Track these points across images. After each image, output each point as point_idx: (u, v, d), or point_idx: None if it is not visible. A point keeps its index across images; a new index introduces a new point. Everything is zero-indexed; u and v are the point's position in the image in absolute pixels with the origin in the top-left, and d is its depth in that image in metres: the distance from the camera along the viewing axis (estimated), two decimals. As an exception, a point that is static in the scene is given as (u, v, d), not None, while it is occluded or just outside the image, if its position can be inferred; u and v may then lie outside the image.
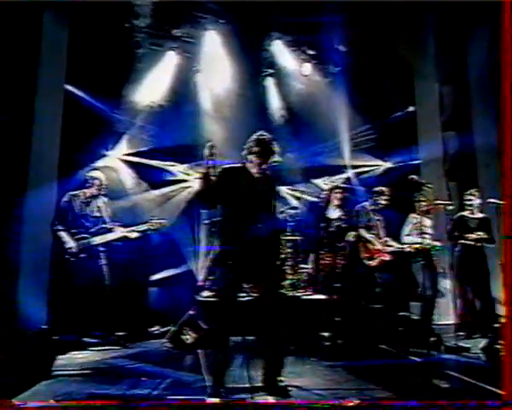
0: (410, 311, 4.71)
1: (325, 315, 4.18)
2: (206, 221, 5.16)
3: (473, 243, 4.09)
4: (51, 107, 4.52)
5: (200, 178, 2.75)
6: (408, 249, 4.38)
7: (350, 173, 6.24)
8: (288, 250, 4.77)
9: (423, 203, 4.38)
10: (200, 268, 5.37)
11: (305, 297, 4.56)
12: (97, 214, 4.17)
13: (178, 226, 5.44)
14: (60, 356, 3.32)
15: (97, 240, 4.07)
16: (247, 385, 2.77)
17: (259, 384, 2.65)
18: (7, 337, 3.29)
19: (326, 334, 4.03)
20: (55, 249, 4.11)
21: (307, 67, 5.87)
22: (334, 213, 4.77)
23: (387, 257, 4.44)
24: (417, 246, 4.22)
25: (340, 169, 6.22)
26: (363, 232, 4.51)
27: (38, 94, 4.32)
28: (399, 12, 5.10)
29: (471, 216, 4.24)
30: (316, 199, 5.64)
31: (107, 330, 4.04)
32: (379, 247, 4.47)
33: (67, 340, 3.79)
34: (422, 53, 5.68)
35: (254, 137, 2.80)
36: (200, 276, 5.27)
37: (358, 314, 4.22)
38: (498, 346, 3.55)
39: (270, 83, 6.06)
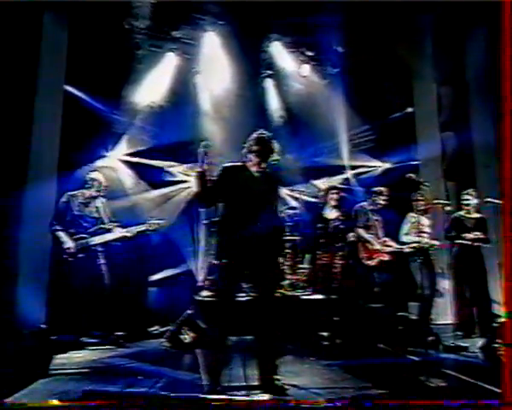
0: (408, 311, 4.71)
1: (324, 315, 4.18)
2: (206, 221, 5.17)
3: (470, 242, 4.10)
4: (51, 107, 4.54)
5: (196, 177, 2.76)
6: (407, 250, 4.39)
7: (349, 174, 6.26)
8: (287, 250, 4.78)
9: (421, 203, 4.40)
10: (199, 268, 5.38)
11: (304, 297, 4.56)
12: (96, 215, 4.18)
13: (178, 226, 5.45)
14: (57, 355, 3.32)
15: (96, 240, 4.08)
16: (243, 384, 2.77)
17: (256, 383, 2.65)
18: (5, 337, 3.30)
19: (325, 334, 4.03)
20: (53, 249, 4.11)
21: (306, 68, 5.90)
22: (331, 213, 4.78)
23: (386, 257, 4.45)
24: (415, 245, 4.23)
25: (339, 170, 6.24)
26: (361, 232, 4.51)
27: (38, 94, 4.34)
28: (397, 13, 5.12)
29: (468, 216, 4.25)
30: (313, 199, 5.65)
31: (106, 330, 4.04)
32: (378, 247, 4.47)
33: (66, 340, 3.79)
34: (420, 53, 5.70)
35: (254, 135, 2.81)
36: (200, 276, 5.27)
37: (357, 314, 4.23)
38: (496, 345, 3.56)
39: (269, 84, 6.08)
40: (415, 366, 3.39)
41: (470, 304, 4.22)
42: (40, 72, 4.38)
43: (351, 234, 4.57)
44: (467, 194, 4.30)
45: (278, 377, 2.63)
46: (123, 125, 5.47)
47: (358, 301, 4.40)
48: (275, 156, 2.78)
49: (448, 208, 4.32)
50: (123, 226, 4.18)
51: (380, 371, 3.18)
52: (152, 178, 5.68)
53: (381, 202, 4.58)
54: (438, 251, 4.41)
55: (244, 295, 3.70)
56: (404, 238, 4.46)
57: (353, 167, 6.27)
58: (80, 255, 3.99)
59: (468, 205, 4.26)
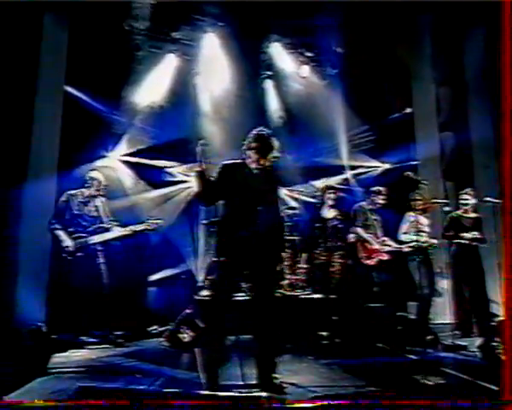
0: (407, 310, 4.70)
1: (323, 314, 4.18)
2: (205, 221, 5.17)
3: (467, 242, 4.11)
4: (51, 108, 4.55)
5: (196, 176, 2.76)
6: (405, 249, 4.39)
7: (348, 174, 6.26)
8: (287, 250, 4.78)
9: (420, 202, 4.40)
10: (199, 268, 5.38)
11: (303, 296, 4.56)
12: (95, 214, 4.19)
13: (177, 226, 5.46)
14: (56, 354, 3.32)
15: (95, 239, 4.09)
16: (241, 383, 2.78)
17: (254, 382, 2.65)
18: (4, 335, 3.31)
19: (324, 333, 4.03)
20: (53, 248, 4.12)
21: (305, 69, 5.91)
22: (328, 212, 4.79)
23: (385, 256, 4.45)
24: (414, 244, 4.23)
25: (339, 170, 6.25)
26: (360, 232, 4.52)
27: (38, 95, 4.36)
28: (396, 13, 5.14)
29: (465, 215, 4.26)
30: (312, 199, 5.66)
31: (105, 330, 4.04)
32: (377, 246, 4.48)
33: (65, 339, 3.79)
34: (419, 54, 5.71)
35: (254, 132, 2.80)
36: (200, 276, 5.28)
37: (356, 313, 4.23)
38: (494, 344, 3.57)
39: (268, 85, 6.09)
40: (414, 365, 3.39)
41: (468, 303, 4.22)
42: (40, 72, 4.40)
43: (351, 234, 4.57)
44: (465, 193, 4.31)
45: (276, 375, 2.63)
46: (123, 126, 5.49)
47: (357, 300, 4.40)
48: (274, 153, 2.78)
49: (447, 208, 4.33)
50: (122, 226, 4.19)
51: (378, 370, 3.18)
52: (151, 177, 5.70)
53: (380, 201, 4.58)
54: (436, 250, 4.41)
55: (244, 294, 3.70)
56: (403, 237, 4.47)
57: (353, 168, 6.28)
58: (79, 254, 4.00)
59: (466, 205, 4.26)
